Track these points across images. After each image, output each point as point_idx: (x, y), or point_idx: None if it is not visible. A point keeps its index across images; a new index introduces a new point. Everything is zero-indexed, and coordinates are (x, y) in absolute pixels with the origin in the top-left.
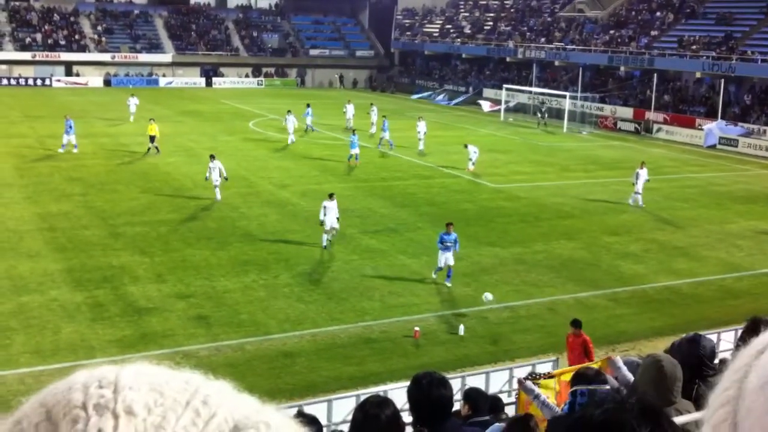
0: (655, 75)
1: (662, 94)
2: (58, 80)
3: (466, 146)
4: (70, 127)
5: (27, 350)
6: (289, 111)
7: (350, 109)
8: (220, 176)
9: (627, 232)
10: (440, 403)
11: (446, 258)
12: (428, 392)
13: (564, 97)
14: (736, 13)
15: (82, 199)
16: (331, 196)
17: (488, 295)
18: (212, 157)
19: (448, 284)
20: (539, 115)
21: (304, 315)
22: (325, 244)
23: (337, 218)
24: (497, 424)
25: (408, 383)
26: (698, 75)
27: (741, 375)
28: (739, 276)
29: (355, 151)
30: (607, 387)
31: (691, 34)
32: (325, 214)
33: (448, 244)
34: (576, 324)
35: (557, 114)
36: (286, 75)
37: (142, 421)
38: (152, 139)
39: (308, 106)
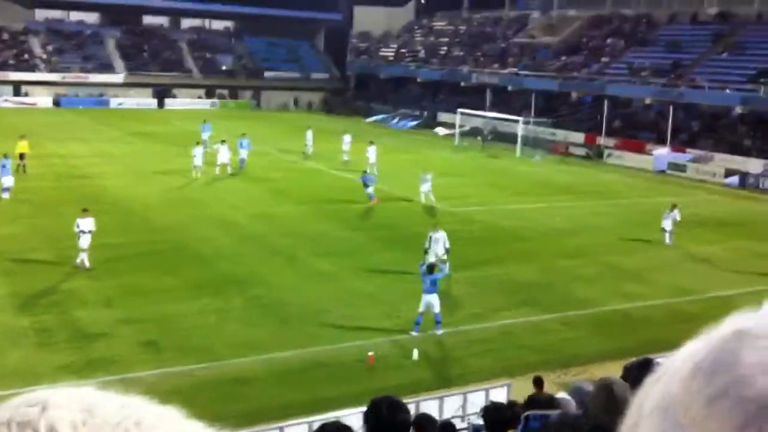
0: (606, 101)
1: (613, 119)
2: (6, 100)
3: (422, 176)
4: None
5: None
6: (223, 141)
7: (346, 140)
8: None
9: (581, 255)
10: (402, 427)
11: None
12: (391, 417)
13: (517, 121)
14: (684, 41)
15: (30, 221)
16: (435, 227)
17: (416, 351)
18: (85, 210)
19: (439, 332)
20: (480, 138)
21: (256, 339)
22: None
23: (447, 249)
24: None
25: (363, 408)
26: (648, 101)
27: (640, 402)
28: (689, 300)
29: (369, 190)
30: (559, 412)
31: (641, 61)
32: (429, 246)
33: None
34: (538, 383)
35: (512, 139)
36: (241, 97)
37: None
38: (21, 156)
39: (204, 121)
